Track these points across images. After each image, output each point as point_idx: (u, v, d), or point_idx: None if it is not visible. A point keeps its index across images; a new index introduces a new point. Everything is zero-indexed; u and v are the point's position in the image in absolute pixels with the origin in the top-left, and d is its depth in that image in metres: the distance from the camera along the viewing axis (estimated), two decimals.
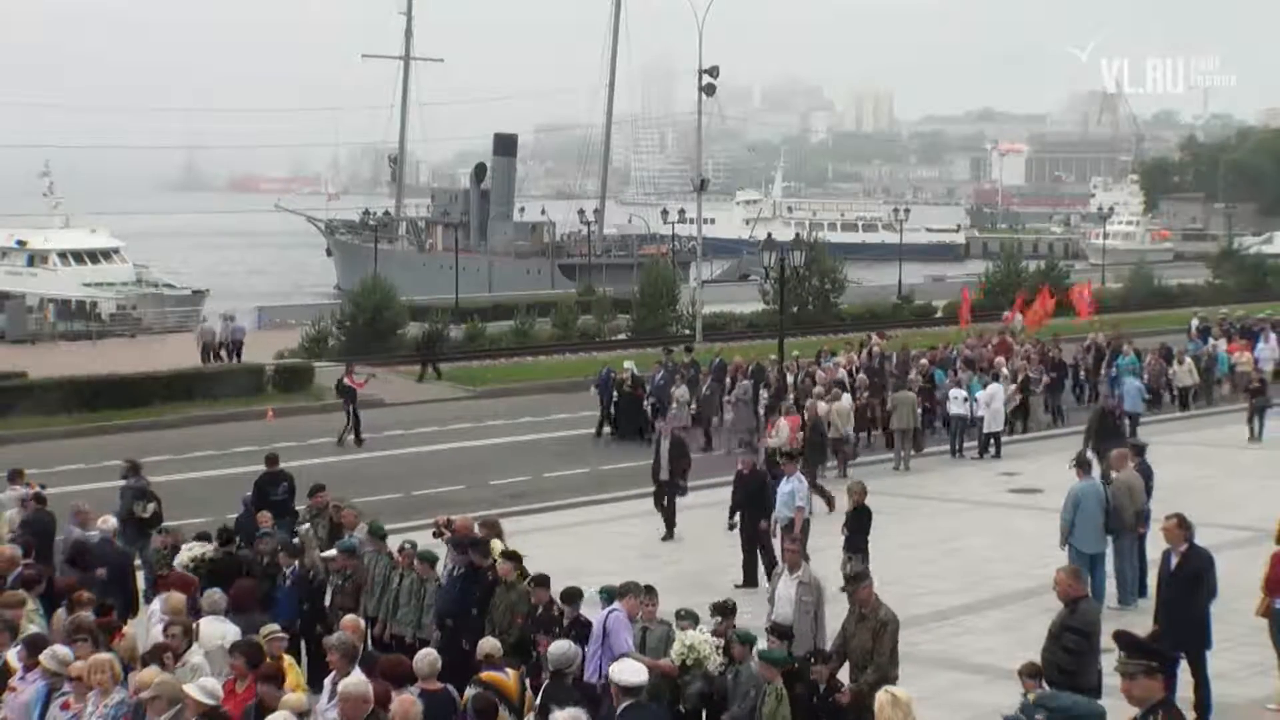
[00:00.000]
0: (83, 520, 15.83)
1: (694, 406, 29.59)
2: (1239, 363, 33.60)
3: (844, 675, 11.07)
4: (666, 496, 20.96)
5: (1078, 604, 11.32)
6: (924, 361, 30.04)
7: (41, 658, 9.92)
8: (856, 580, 11.66)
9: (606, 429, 30.68)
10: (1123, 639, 7.27)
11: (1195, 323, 40.50)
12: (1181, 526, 12.65)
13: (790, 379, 29.22)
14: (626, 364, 32.41)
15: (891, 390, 27.80)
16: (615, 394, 30.57)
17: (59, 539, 15.81)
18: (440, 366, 40.40)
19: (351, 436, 29.93)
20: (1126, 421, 27.22)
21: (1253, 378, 30.35)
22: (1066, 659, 10.98)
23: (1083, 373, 33.54)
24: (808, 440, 23.24)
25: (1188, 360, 32.84)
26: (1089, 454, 20.84)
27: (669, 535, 20.60)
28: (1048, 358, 32.02)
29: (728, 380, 29.54)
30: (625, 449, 28.45)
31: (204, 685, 8.98)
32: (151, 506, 17.62)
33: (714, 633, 11.41)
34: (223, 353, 43.28)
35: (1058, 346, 33.63)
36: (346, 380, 30.45)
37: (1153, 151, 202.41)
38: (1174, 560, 12.59)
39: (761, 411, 28.23)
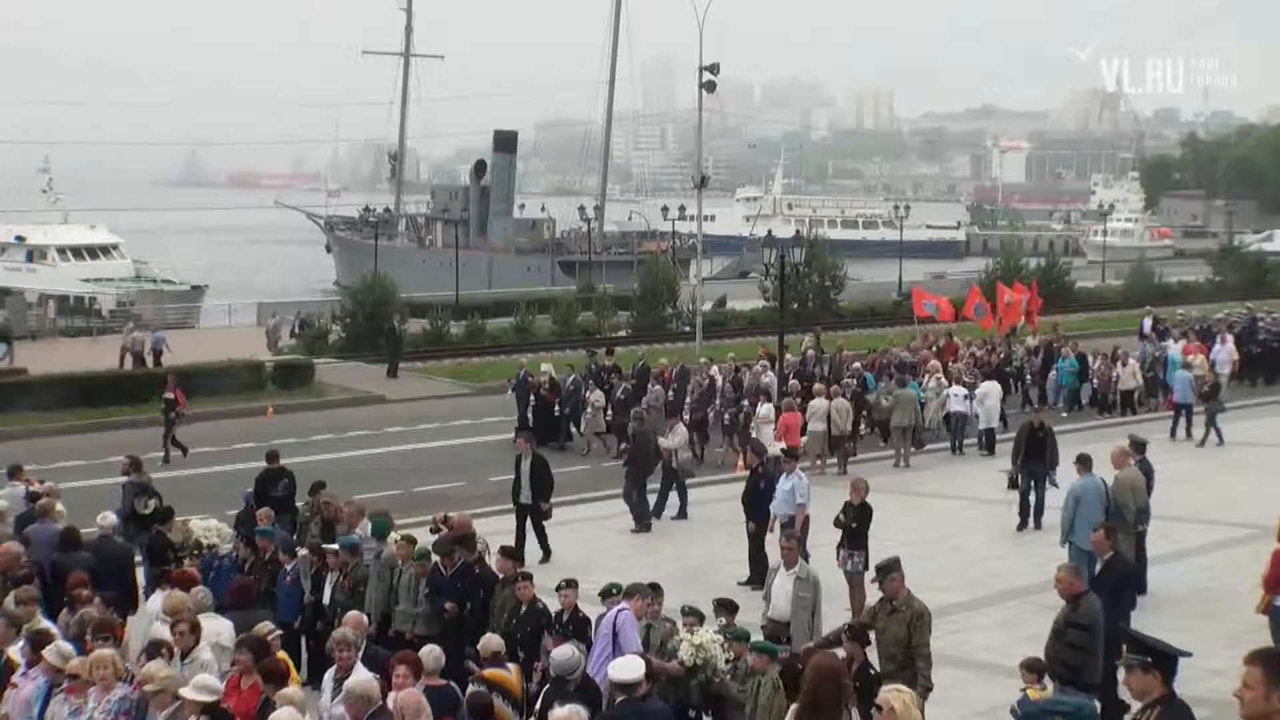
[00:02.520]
0: (43, 510, 15.82)
1: (609, 412, 28.11)
2: (1193, 365, 31.80)
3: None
4: (526, 521, 19.25)
5: (1080, 600, 11.34)
6: (856, 365, 29.47)
7: (45, 653, 9.93)
8: (886, 571, 11.67)
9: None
10: (1122, 634, 7.32)
11: (1147, 322, 39.44)
12: (1109, 537, 12.52)
13: (720, 383, 28.24)
14: (544, 367, 31.16)
15: (825, 396, 26.48)
16: (532, 398, 29.35)
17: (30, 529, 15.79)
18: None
19: (174, 450, 27.75)
20: (1183, 417, 27.37)
21: (1205, 379, 29.12)
22: (1071, 655, 11.01)
23: (1029, 376, 32.32)
24: (635, 453, 22.09)
25: (1131, 362, 31.66)
26: (1016, 473, 20.44)
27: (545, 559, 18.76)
28: (984, 362, 30.80)
29: (650, 385, 28.64)
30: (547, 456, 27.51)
31: (199, 683, 8.96)
32: (153, 503, 17.62)
33: (719, 631, 11.44)
34: (148, 360, 40.53)
35: (999, 351, 32.38)
36: (169, 394, 28.32)
37: (1153, 148, 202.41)
38: (1097, 568, 12.43)
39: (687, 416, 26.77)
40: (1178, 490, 20.19)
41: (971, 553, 19.11)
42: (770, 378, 28.53)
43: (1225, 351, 33.83)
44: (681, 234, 71.80)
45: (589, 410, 28.33)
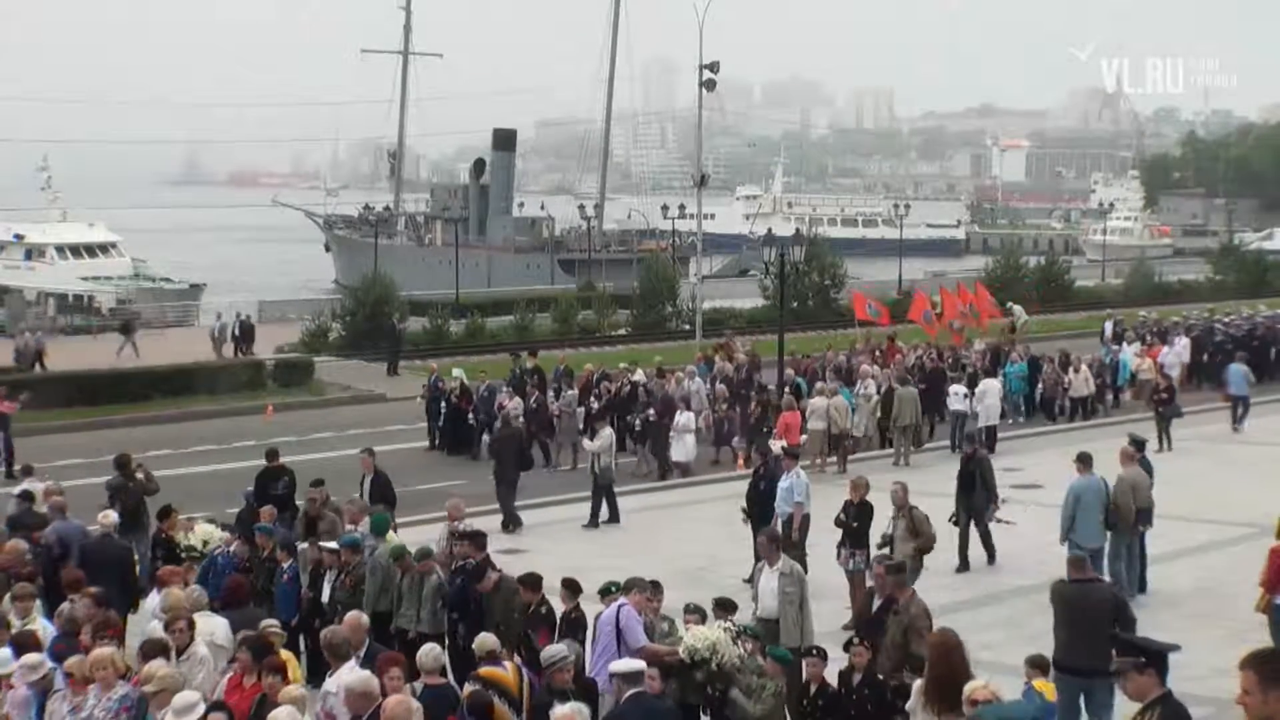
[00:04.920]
0: (58, 507, 15.85)
1: (519, 419, 26.31)
2: (1140, 370, 31.62)
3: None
4: None
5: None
6: (790, 372, 28.98)
7: (13, 676, 9.85)
8: (895, 574, 11.63)
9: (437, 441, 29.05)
10: (1113, 637, 7.34)
11: (1109, 326, 38.51)
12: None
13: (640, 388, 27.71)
14: (455, 372, 30.08)
15: (824, 394, 26.17)
16: (444, 405, 28.78)
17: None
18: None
19: (3, 468, 25.99)
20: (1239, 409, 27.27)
21: (1159, 384, 28.23)
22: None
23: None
24: (496, 454, 22.10)
25: (1084, 368, 30.72)
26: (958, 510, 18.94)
27: None
28: (921, 366, 30.06)
29: (562, 390, 27.95)
30: (458, 465, 27.18)
31: (179, 705, 8.74)
32: (117, 508, 17.33)
33: (727, 629, 11.43)
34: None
35: (947, 356, 31.36)
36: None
37: (1153, 147, 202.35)
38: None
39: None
40: (1178, 490, 20.16)
41: (971, 550, 19.07)
42: (696, 384, 27.91)
43: (1174, 354, 33.24)
44: (681, 232, 71.76)
45: (498, 420, 25.63)
